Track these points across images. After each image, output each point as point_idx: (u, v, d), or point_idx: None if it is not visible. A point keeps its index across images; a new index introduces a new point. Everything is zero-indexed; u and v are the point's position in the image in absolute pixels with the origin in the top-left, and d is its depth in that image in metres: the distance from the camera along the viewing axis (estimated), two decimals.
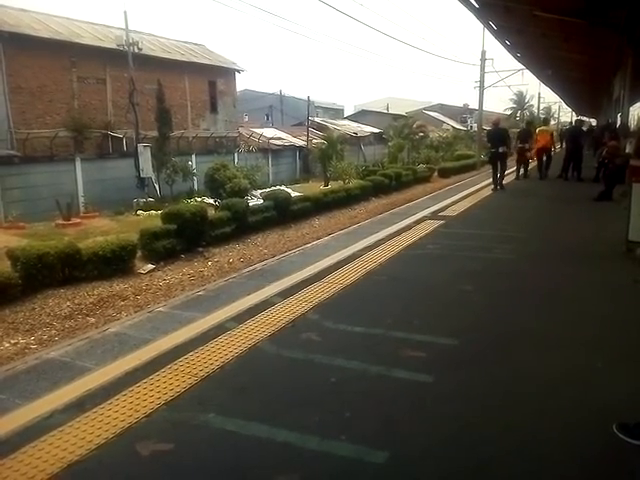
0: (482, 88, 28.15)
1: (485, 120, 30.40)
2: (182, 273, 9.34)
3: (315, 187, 21.11)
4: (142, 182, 18.76)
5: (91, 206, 16.76)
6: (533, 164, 16.29)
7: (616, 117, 17.00)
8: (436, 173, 25.78)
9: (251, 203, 14.08)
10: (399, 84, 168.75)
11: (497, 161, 13.26)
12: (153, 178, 19.42)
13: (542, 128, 16.15)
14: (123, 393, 2.96)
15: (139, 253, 9.79)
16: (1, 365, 4.73)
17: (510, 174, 15.55)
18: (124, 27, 19.19)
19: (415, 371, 3.21)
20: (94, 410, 2.78)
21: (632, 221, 6.12)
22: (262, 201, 14.48)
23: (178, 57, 24.31)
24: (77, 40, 19.72)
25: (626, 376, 3.15)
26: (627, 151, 10.04)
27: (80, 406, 2.83)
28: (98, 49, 20.12)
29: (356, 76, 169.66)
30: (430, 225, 8.46)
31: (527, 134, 15.45)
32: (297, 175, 28.91)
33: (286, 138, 30.52)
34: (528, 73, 26.22)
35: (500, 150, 12.97)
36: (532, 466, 2.34)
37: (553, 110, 62.10)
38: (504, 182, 13.70)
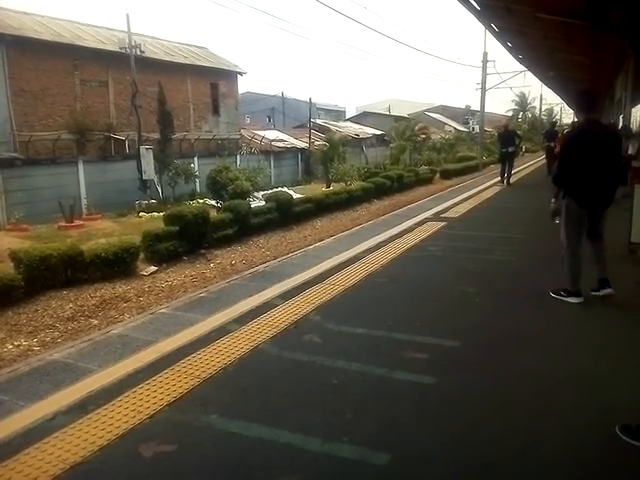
0: (484, 90, 28.13)
1: (487, 122, 30.42)
2: (184, 275, 9.35)
3: (317, 189, 21.09)
4: (144, 184, 18.78)
5: (94, 208, 16.79)
6: None
7: (618, 118, 17.05)
8: (438, 175, 25.76)
9: (253, 205, 14.07)
10: (401, 86, 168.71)
11: (506, 159, 14.83)
12: (155, 180, 19.44)
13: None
14: (126, 395, 2.97)
15: (141, 255, 9.79)
16: (4, 367, 4.74)
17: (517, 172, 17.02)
18: (126, 30, 19.25)
19: (417, 372, 3.21)
20: (97, 412, 2.79)
21: (634, 223, 6.11)
22: (264, 203, 14.48)
23: (180, 60, 24.39)
24: (80, 43, 19.81)
25: (629, 380, 3.15)
26: (629, 152, 10.02)
27: (83, 408, 2.84)
28: (101, 52, 20.20)
29: (358, 78, 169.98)
30: (432, 227, 8.47)
31: (553, 134, 17.20)
32: (299, 177, 28.91)
33: (288, 140, 30.54)
34: (530, 75, 26.19)
35: (510, 150, 14.59)
36: (535, 467, 2.35)
37: (555, 112, 62.07)
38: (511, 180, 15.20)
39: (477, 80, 28.52)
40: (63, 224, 14.14)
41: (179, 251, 10.31)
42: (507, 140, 14.66)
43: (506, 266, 6.00)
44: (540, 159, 25.70)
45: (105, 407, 2.83)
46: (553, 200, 4.48)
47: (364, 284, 5.21)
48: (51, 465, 2.34)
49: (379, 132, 37.63)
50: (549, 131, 18.36)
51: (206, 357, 3.46)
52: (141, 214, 16.47)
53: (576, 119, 5.43)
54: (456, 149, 36.44)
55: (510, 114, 62.22)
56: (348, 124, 40.84)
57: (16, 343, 6.38)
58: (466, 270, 5.79)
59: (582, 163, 4.29)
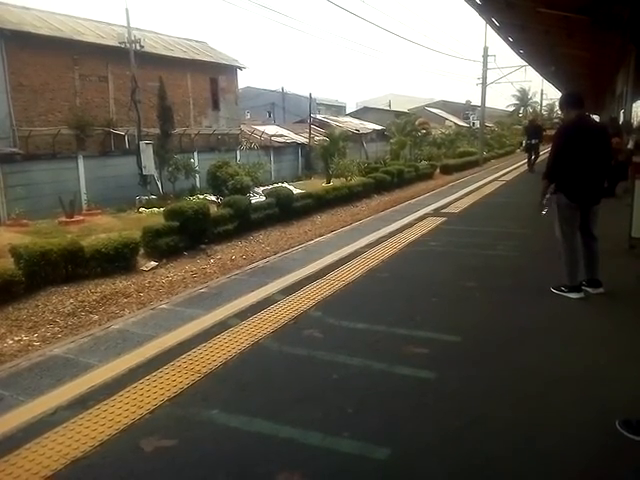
0: (484, 85, 28.06)
1: (488, 117, 30.30)
2: (185, 270, 9.35)
3: (317, 184, 21.08)
4: (144, 179, 18.75)
5: (94, 203, 16.77)
6: None
7: (619, 113, 17.02)
8: (438, 170, 25.72)
9: (253, 200, 14.05)
10: (401, 81, 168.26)
11: (531, 149, 17.46)
12: (155, 175, 19.40)
13: None
14: (126, 390, 2.97)
15: (142, 250, 9.79)
16: (5, 362, 4.74)
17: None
18: (126, 25, 19.16)
19: (417, 367, 3.21)
20: (97, 407, 2.79)
21: (635, 218, 6.09)
22: (264, 198, 14.47)
23: (180, 55, 24.29)
24: (79, 38, 19.71)
25: (630, 375, 3.15)
26: (629, 147, 10.00)
27: (84, 403, 2.84)
28: (100, 47, 20.11)
29: (358, 73, 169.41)
30: (432, 222, 8.46)
31: None
32: (299, 172, 28.86)
33: (288, 135, 30.46)
34: (531, 69, 26.12)
35: (533, 142, 17.20)
36: (536, 463, 2.35)
37: (556, 107, 61.95)
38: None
39: (478, 75, 28.45)
40: (63, 219, 14.13)
41: (179, 246, 10.31)
42: (532, 133, 17.24)
43: (507, 261, 6.00)
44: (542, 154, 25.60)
45: (106, 402, 2.83)
46: (547, 196, 4.51)
47: (364, 279, 5.20)
48: (52, 460, 2.35)
49: (379, 127, 37.52)
50: None
51: (207, 352, 3.46)
52: (141, 209, 16.47)
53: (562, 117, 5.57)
54: (456, 144, 36.37)
55: (511, 109, 62.18)
56: (348, 119, 40.71)
57: (17, 338, 6.39)
58: (467, 265, 5.79)
59: (575, 157, 4.34)
